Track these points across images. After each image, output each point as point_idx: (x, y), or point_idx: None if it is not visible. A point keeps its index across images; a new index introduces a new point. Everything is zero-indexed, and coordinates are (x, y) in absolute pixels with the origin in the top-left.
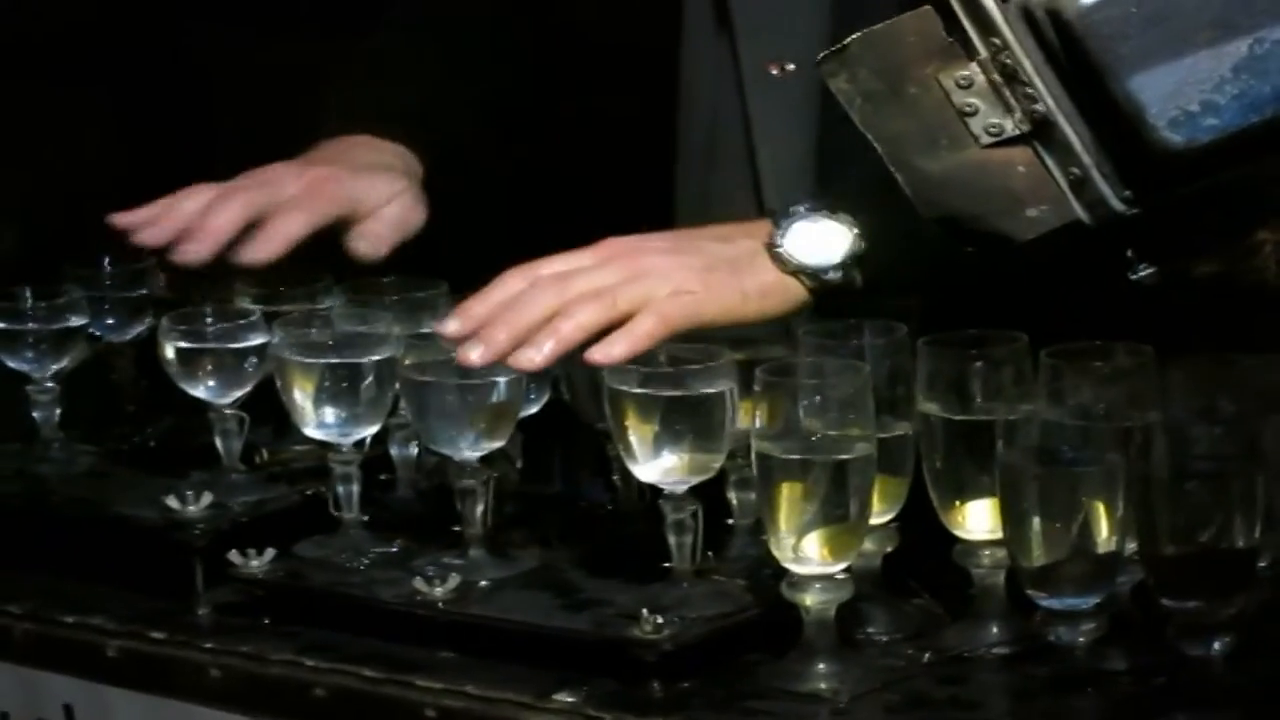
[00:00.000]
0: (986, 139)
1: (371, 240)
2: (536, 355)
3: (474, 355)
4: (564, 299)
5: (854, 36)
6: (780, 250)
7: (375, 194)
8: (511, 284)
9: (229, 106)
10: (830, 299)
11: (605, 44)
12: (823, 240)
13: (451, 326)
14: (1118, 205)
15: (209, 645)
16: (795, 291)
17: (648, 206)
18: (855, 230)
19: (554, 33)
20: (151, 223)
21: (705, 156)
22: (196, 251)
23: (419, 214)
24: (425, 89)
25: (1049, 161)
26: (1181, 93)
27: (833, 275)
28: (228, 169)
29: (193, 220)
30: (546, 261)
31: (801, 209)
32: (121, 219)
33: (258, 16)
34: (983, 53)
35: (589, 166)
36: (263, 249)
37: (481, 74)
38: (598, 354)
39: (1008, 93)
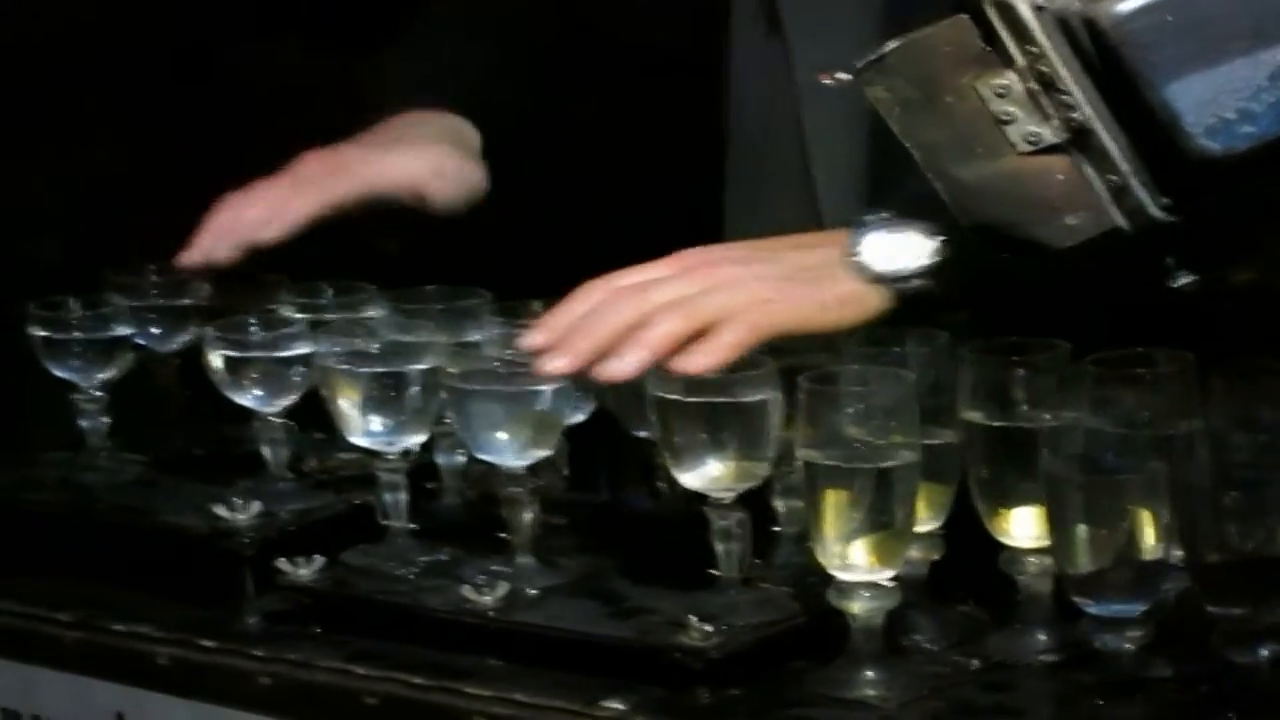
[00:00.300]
0: (1024, 147)
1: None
2: (623, 365)
3: (557, 364)
4: (644, 310)
5: (891, 45)
6: (858, 259)
7: (406, 167)
8: (591, 295)
9: (273, 122)
10: (910, 309)
11: (653, 54)
12: (900, 249)
13: (535, 339)
14: (1156, 212)
15: (258, 653)
16: (873, 300)
17: (696, 216)
18: (939, 238)
19: (600, 42)
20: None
21: (756, 167)
22: (213, 250)
23: (475, 174)
24: (480, 69)
25: (1086, 169)
26: (1218, 100)
27: (912, 284)
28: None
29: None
30: (625, 273)
31: (878, 218)
32: (187, 258)
33: (301, 31)
34: (1019, 61)
35: (637, 177)
36: (272, 229)
37: (532, 69)
38: (682, 364)
39: (1045, 101)
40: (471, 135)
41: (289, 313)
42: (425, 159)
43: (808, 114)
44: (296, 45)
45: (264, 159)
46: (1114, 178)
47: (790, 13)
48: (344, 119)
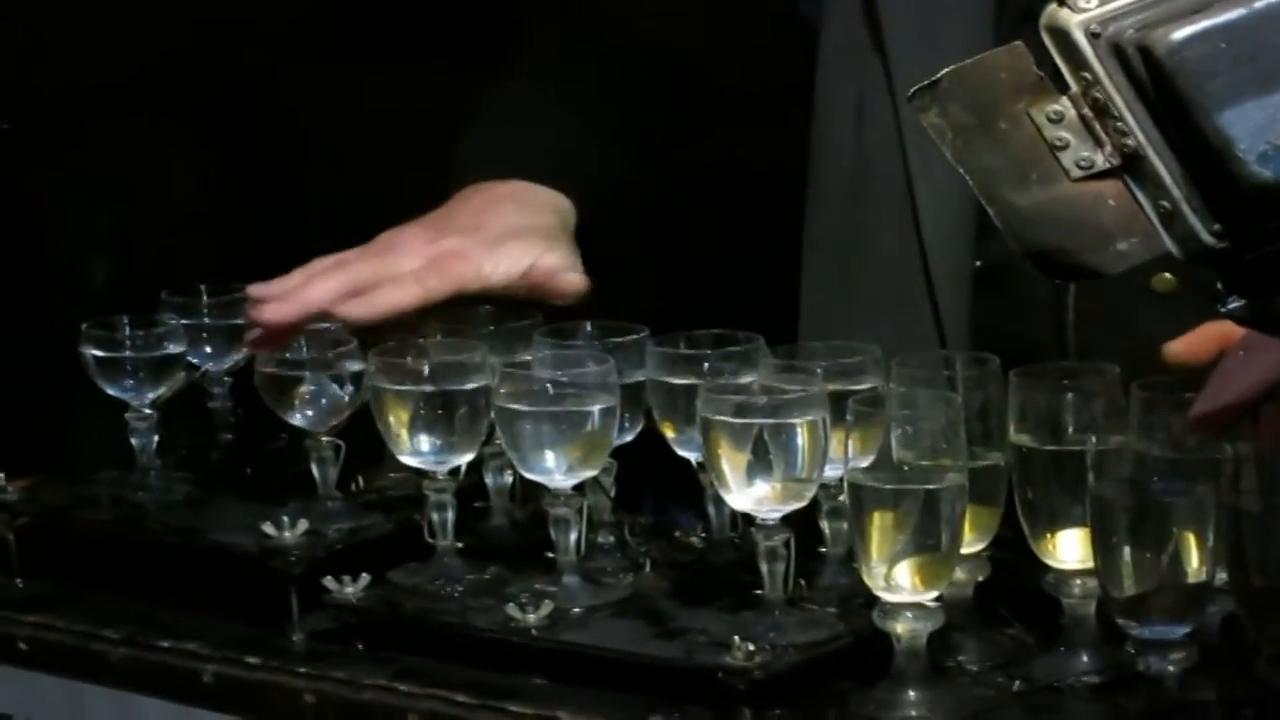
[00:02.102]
0: (1077, 172)
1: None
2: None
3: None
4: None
5: (945, 71)
6: None
7: (506, 267)
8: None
9: (318, 144)
10: None
11: (736, 83)
12: None
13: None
14: (1208, 239)
15: (303, 670)
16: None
17: (775, 245)
18: None
19: (684, 71)
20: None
21: (849, 194)
22: (279, 312)
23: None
24: (570, 131)
25: (1139, 195)
26: (1271, 128)
27: None
28: (316, 205)
29: (290, 291)
30: None
31: None
32: (254, 291)
33: (347, 57)
34: (1074, 87)
35: (714, 206)
36: (358, 309)
37: (618, 115)
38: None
39: (1098, 127)
40: (570, 214)
41: (338, 332)
42: (542, 255)
43: (911, 139)
44: (344, 75)
45: (313, 187)
46: (1166, 204)
47: (893, 37)
48: (409, 147)
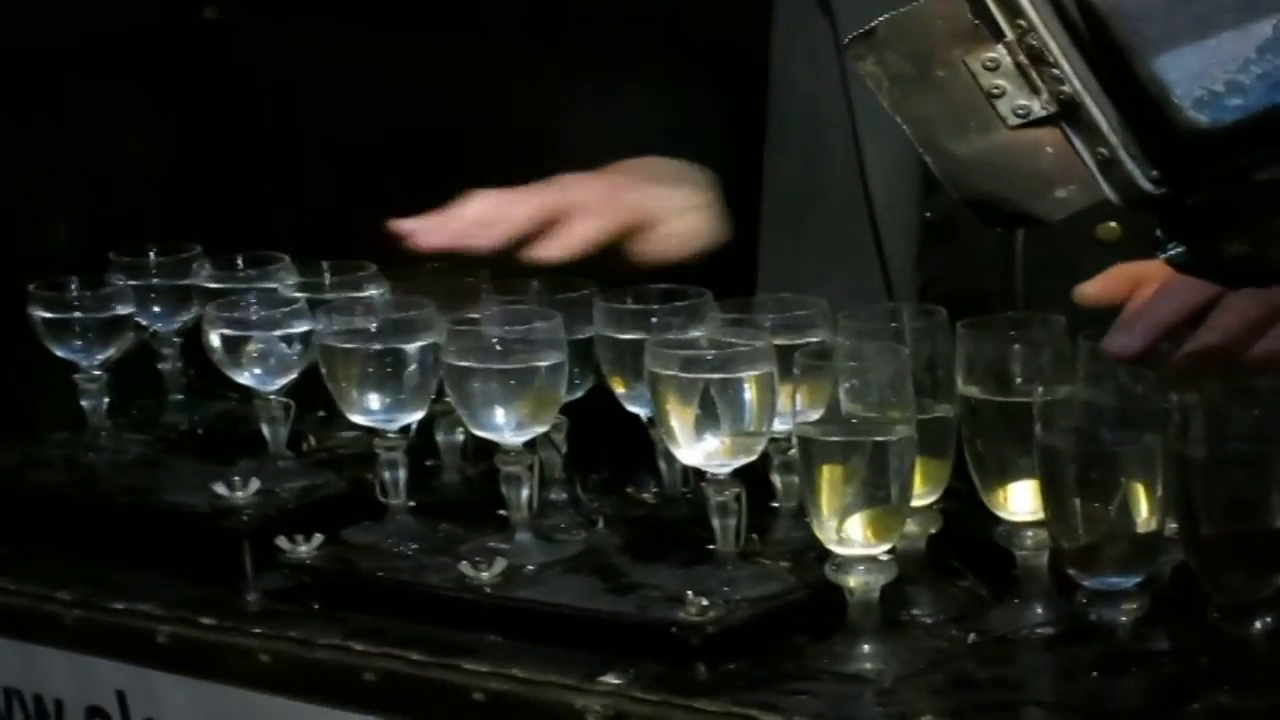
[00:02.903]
0: (1014, 120)
1: (658, 247)
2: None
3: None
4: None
5: (881, 19)
6: None
7: (671, 203)
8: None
9: (275, 104)
10: None
11: (694, 37)
12: None
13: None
14: (1146, 185)
15: (258, 631)
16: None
17: (735, 201)
18: None
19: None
20: (434, 228)
21: (803, 151)
22: (490, 238)
23: (719, 229)
24: (681, 106)
25: (1076, 142)
26: (1207, 73)
27: None
28: (272, 166)
29: (481, 216)
30: None
31: None
32: (401, 225)
33: (305, 16)
34: (1009, 35)
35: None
36: (555, 248)
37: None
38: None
39: (1034, 74)
40: (713, 186)
41: (288, 291)
42: (692, 202)
43: (858, 98)
44: (316, 28)
45: (278, 147)
46: (1103, 150)
47: None
48: (367, 106)
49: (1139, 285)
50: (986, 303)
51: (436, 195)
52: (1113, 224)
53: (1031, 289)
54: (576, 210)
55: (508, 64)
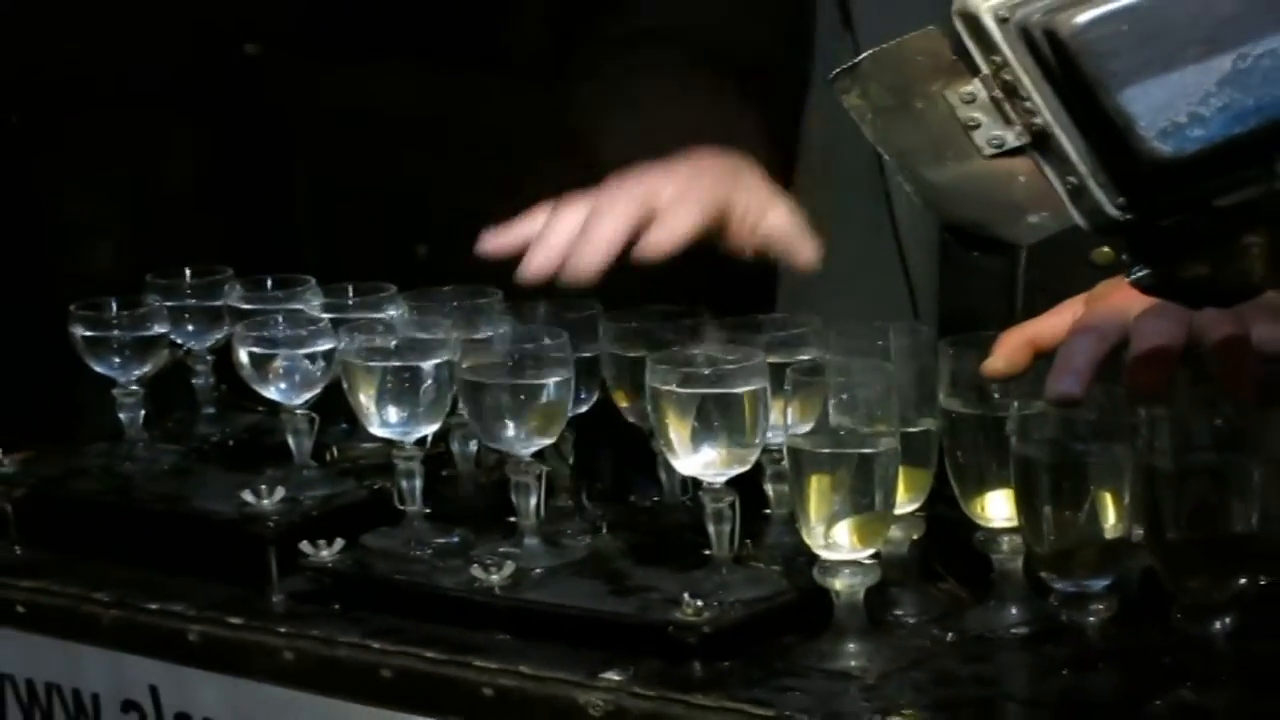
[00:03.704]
0: (989, 150)
1: (749, 238)
2: (584, 263)
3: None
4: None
5: (865, 54)
6: None
7: (753, 195)
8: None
9: (305, 136)
10: None
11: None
12: None
13: (488, 244)
14: (1113, 212)
15: (282, 630)
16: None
17: None
18: None
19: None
20: (530, 247)
21: (827, 169)
22: (590, 264)
23: (800, 217)
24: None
25: (1048, 171)
26: (1170, 106)
27: None
28: (302, 194)
29: (574, 234)
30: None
31: None
32: (494, 244)
33: (334, 55)
34: (984, 70)
35: None
36: (657, 245)
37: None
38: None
39: (1008, 107)
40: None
41: (313, 311)
42: (770, 190)
43: None
44: (344, 67)
45: (308, 177)
46: (1073, 179)
47: (862, 14)
48: (391, 140)
49: (1034, 347)
50: (992, 321)
51: (465, 222)
52: (1106, 249)
53: (1030, 308)
54: (668, 207)
55: (537, 94)
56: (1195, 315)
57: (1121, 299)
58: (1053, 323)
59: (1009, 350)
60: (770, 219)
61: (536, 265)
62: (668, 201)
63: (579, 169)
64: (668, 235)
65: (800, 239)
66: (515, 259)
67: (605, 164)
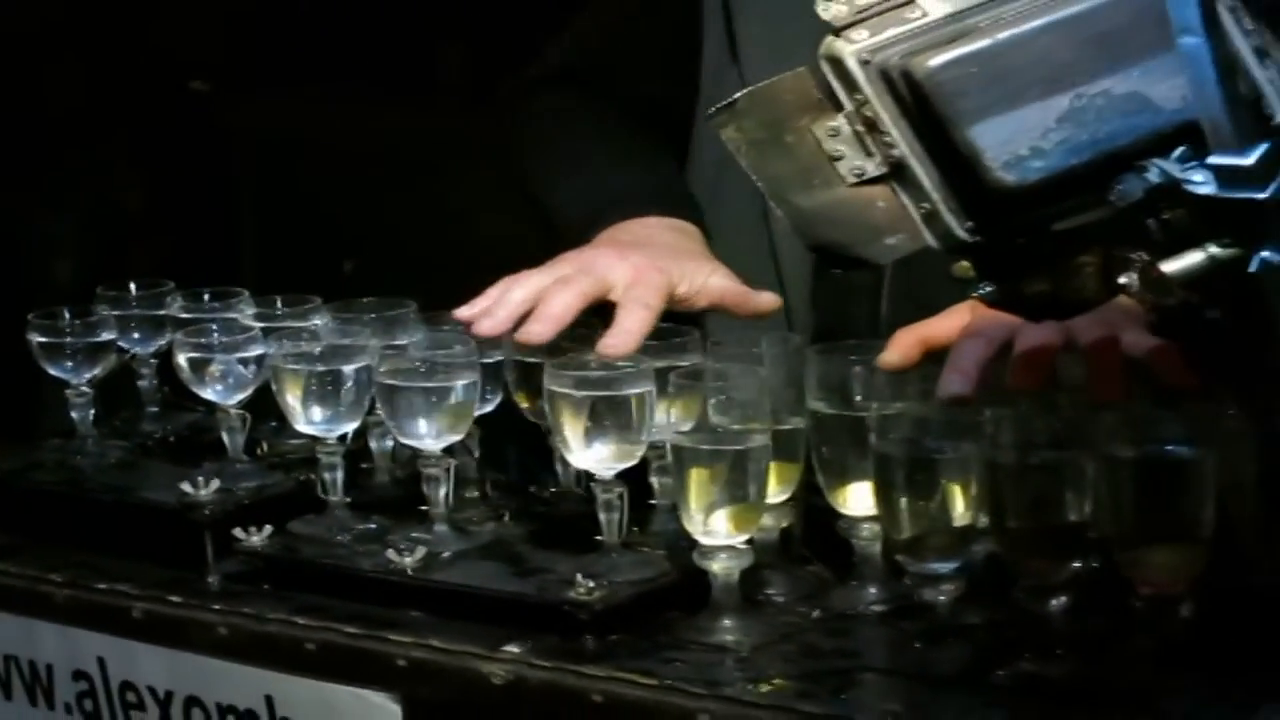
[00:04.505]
0: (852, 179)
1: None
2: (536, 331)
3: (483, 326)
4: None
5: (741, 93)
6: None
7: (696, 277)
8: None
9: (247, 163)
10: None
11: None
12: None
13: (463, 312)
14: (962, 234)
15: (217, 607)
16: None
17: None
18: None
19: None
20: (488, 315)
21: (713, 192)
22: (540, 333)
23: (731, 280)
24: (660, 169)
25: (904, 198)
26: (1014, 140)
27: None
28: (244, 216)
29: (529, 305)
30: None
31: None
32: (461, 314)
33: (275, 87)
34: (848, 107)
35: None
36: (619, 346)
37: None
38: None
39: (869, 140)
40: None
41: (246, 320)
42: (709, 269)
43: None
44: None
45: (251, 200)
46: (926, 205)
47: (745, 43)
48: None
49: (925, 345)
50: (861, 330)
51: (387, 240)
52: (965, 263)
53: (895, 318)
54: (623, 300)
55: (456, 126)
56: (1071, 322)
57: None
58: (942, 324)
59: (902, 346)
60: (711, 286)
61: (489, 328)
62: (622, 291)
63: (495, 193)
64: (623, 341)
65: (745, 294)
66: (435, 275)
67: (555, 225)
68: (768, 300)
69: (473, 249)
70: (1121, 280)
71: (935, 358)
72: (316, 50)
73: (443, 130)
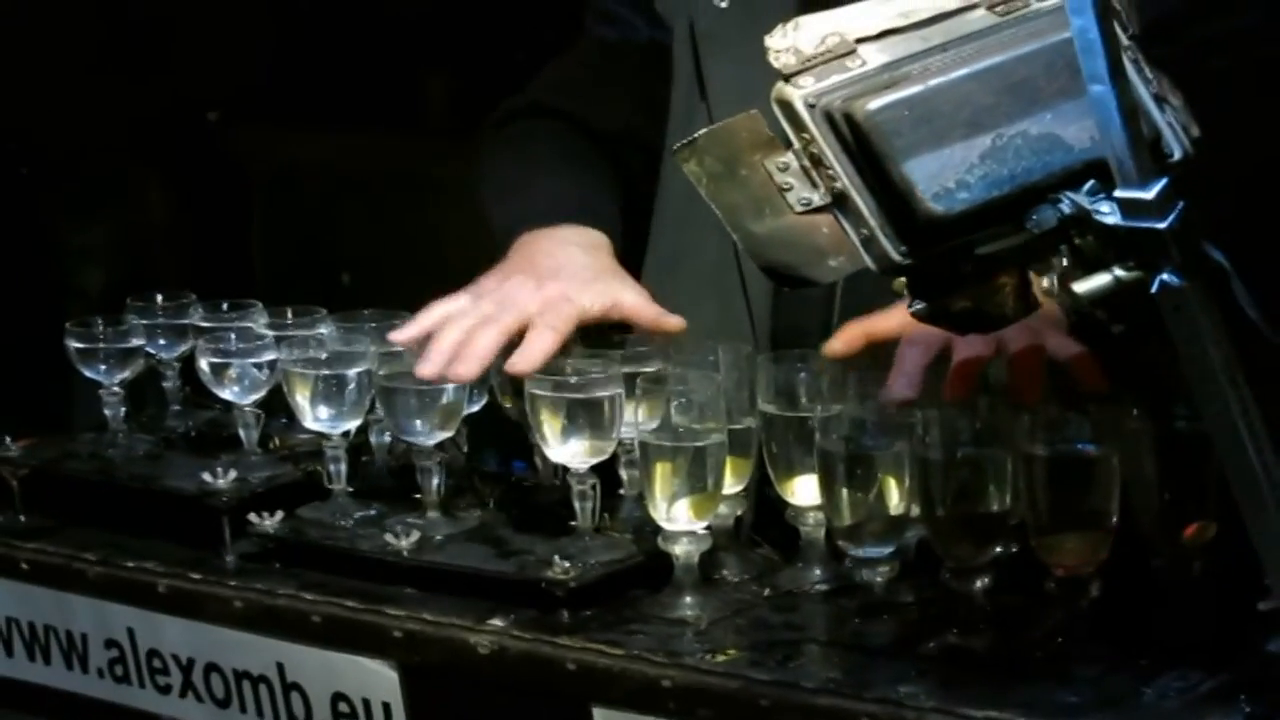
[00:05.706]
0: (799, 208)
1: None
2: (464, 371)
3: (423, 370)
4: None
5: (701, 132)
6: None
7: (602, 302)
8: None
9: (260, 187)
10: None
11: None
12: None
13: (398, 335)
14: (896, 257)
15: (233, 583)
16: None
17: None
18: None
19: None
20: (426, 361)
21: (679, 218)
22: (466, 373)
23: (641, 295)
24: (585, 184)
25: (845, 224)
26: (942, 174)
27: None
28: (257, 235)
29: (457, 347)
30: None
31: None
32: (397, 338)
33: (283, 122)
34: (796, 144)
35: None
36: (524, 366)
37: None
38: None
39: (814, 174)
40: (609, 244)
41: (260, 329)
42: (616, 292)
43: None
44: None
45: (262, 221)
46: (865, 231)
47: (713, 79)
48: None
49: (870, 337)
50: (814, 337)
51: (382, 257)
52: (903, 279)
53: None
54: (533, 329)
55: (443, 154)
56: (1002, 333)
57: None
58: (885, 319)
59: (848, 337)
60: (623, 303)
61: (427, 373)
62: (535, 317)
63: (478, 214)
64: (528, 362)
65: (656, 313)
66: (426, 288)
67: (495, 238)
68: (674, 322)
69: (459, 264)
70: (1045, 283)
71: (876, 362)
72: (319, 86)
73: (432, 157)
